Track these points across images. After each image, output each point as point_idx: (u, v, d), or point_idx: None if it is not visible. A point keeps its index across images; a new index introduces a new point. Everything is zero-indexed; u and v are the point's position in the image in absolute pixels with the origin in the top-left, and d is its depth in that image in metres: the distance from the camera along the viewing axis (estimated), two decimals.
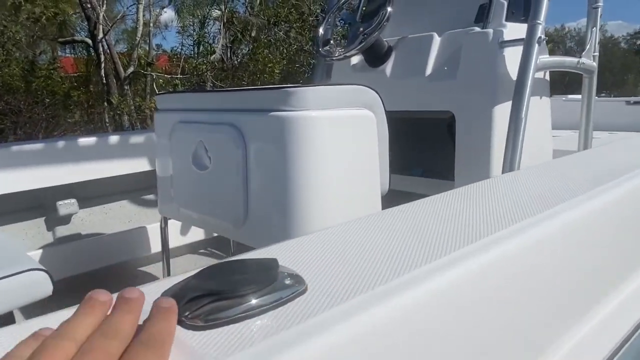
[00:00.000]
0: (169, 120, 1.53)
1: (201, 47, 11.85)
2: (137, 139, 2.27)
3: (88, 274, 2.09)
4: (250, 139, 1.21)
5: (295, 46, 11.06)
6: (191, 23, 11.46)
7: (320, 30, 2.05)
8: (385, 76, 1.98)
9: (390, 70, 1.98)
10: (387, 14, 1.80)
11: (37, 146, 1.97)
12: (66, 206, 2.09)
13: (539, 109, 1.83)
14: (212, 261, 1.96)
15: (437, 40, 1.88)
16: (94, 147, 2.12)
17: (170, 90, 9.31)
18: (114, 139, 2.20)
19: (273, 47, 10.61)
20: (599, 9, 1.97)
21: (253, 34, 11.92)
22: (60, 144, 2.03)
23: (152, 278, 2.19)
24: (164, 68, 11.23)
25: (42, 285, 1.15)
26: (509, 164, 1.53)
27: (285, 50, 10.62)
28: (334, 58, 1.94)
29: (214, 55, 10.99)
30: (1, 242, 1.26)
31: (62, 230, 2.14)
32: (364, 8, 2.29)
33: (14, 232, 2.03)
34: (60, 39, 11.69)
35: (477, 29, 1.76)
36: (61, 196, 2.08)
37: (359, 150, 1.25)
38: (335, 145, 1.19)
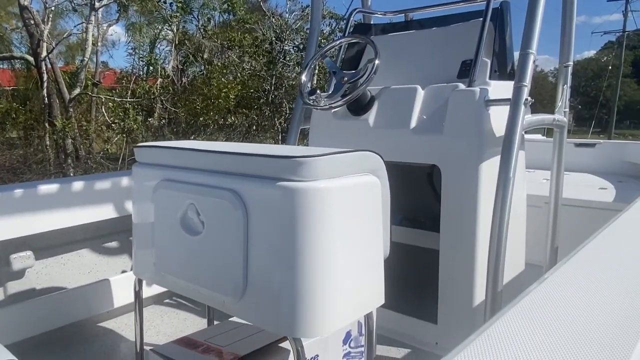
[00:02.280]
0: (150, 175, 1.42)
1: (151, 68, 11.54)
2: (97, 184, 2.12)
3: (46, 335, 1.89)
4: (253, 207, 1.13)
5: (249, 71, 11.02)
6: (141, 43, 11.15)
7: (303, 77, 2.01)
8: (368, 125, 1.97)
9: (374, 120, 1.97)
10: (375, 66, 1.79)
11: None
12: (21, 260, 1.90)
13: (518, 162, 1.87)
14: (180, 313, 1.82)
15: (420, 93, 1.89)
16: (51, 195, 1.95)
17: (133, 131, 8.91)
18: (72, 184, 2.04)
19: (227, 70, 10.49)
20: (569, 68, 2.07)
21: (205, 56, 11.76)
22: (16, 192, 1.85)
23: (115, 336, 2.02)
24: (116, 90, 10.78)
25: None
26: (499, 219, 1.54)
27: (239, 75, 10.54)
28: (319, 108, 1.90)
29: (159, 80, 10.69)
30: None
31: (15, 286, 1.93)
32: (342, 55, 2.28)
33: None
34: None
35: (462, 85, 1.79)
36: (15, 249, 1.89)
37: (365, 218, 1.20)
38: (344, 214, 1.13)
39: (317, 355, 1.55)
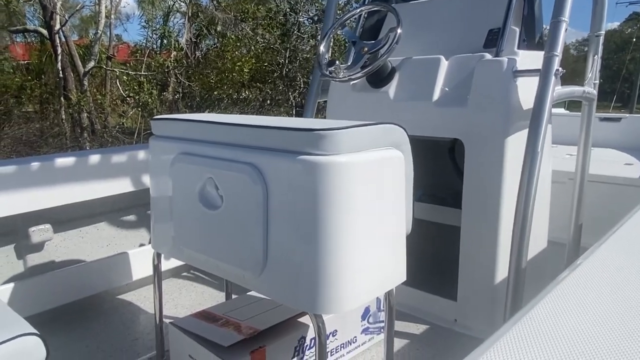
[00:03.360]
0: (167, 149, 1.39)
1: (165, 41, 11.45)
2: (115, 157, 2.10)
3: (65, 307, 1.91)
4: (273, 181, 1.10)
5: (263, 44, 10.86)
6: (155, 16, 11.03)
7: (322, 48, 1.94)
8: (388, 98, 1.91)
9: (394, 93, 1.91)
10: (397, 36, 1.72)
11: (7, 168, 1.77)
12: (40, 232, 1.90)
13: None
14: (198, 286, 1.81)
15: (444, 63, 1.82)
16: (69, 168, 1.94)
17: (145, 101, 8.87)
18: (90, 158, 2.02)
19: (241, 44, 10.36)
20: (601, 37, 1.97)
21: (219, 29, 11.61)
22: (35, 165, 1.84)
23: (134, 308, 2.04)
24: (130, 63, 10.74)
25: (34, 353, 1.00)
26: (525, 196, 1.49)
27: (253, 48, 10.40)
28: (338, 80, 1.84)
29: (174, 53, 10.60)
30: None
31: (34, 259, 1.95)
32: (362, 25, 2.20)
33: None
34: (10, 28, 10.98)
35: (488, 55, 1.71)
36: (34, 222, 1.89)
37: (388, 194, 1.16)
38: (366, 190, 1.10)
39: (336, 330, 1.54)
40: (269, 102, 10.39)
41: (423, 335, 1.76)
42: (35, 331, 1.02)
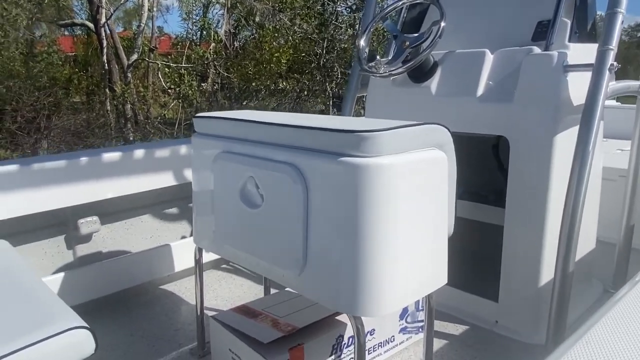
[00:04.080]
0: (210, 146, 1.41)
1: (204, 33, 11.61)
2: (159, 152, 2.15)
3: (111, 297, 1.99)
4: (314, 182, 1.10)
5: (301, 34, 10.84)
6: (194, 7, 11.19)
7: (362, 42, 1.92)
8: (430, 93, 1.86)
9: (436, 88, 1.86)
10: (441, 30, 1.67)
11: (59, 163, 1.85)
12: (88, 224, 1.98)
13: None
14: (237, 279, 1.82)
15: (489, 57, 1.76)
16: (116, 162, 2.01)
17: (191, 99, 9.04)
18: (135, 152, 2.08)
19: (278, 34, 10.38)
20: None
21: (257, 20, 11.67)
22: (84, 159, 1.91)
23: (176, 299, 2.09)
24: (171, 55, 10.98)
25: (84, 345, 1.04)
26: (574, 196, 1.43)
27: (290, 38, 10.40)
28: (378, 75, 1.81)
29: (213, 45, 10.73)
30: (43, 294, 1.15)
31: (82, 249, 2.03)
32: (403, 18, 2.16)
33: (32, 253, 1.92)
34: (59, 22, 11.40)
35: (537, 49, 1.64)
36: (83, 214, 1.97)
37: (431, 196, 1.14)
38: (408, 192, 1.08)
39: (374, 329, 1.53)
40: (305, 93, 10.39)
41: (462, 336, 1.73)
42: (85, 324, 1.06)
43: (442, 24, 1.68)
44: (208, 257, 2.29)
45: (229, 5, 11.37)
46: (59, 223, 1.96)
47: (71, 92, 10.13)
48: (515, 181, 1.67)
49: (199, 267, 1.61)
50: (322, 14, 10.91)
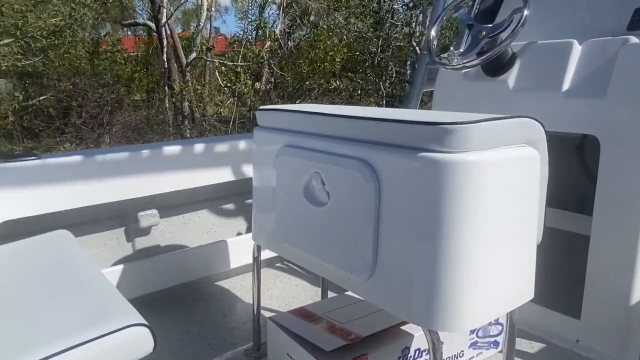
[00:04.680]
0: (272, 140, 1.34)
1: (259, 32, 11.74)
2: (217, 147, 2.12)
3: (167, 291, 1.97)
4: (388, 179, 1.00)
5: (355, 33, 10.73)
6: (251, 7, 11.34)
7: (432, 33, 1.79)
8: (507, 88, 1.71)
9: (514, 82, 1.71)
10: (524, 18, 1.52)
11: (121, 155, 1.85)
12: (148, 217, 1.98)
13: None
14: (292, 278, 1.73)
15: (577, 48, 1.59)
16: (175, 156, 1.99)
17: (253, 93, 9.15)
18: (194, 147, 2.06)
19: (333, 33, 10.32)
20: None
21: (311, 19, 11.67)
22: (144, 152, 1.90)
23: (231, 296, 2.05)
24: (228, 54, 11.20)
25: (142, 343, 1.00)
26: None
27: (345, 37, 10.31)
28: (451, 67, 1.69)
29: (268, 44, 10.83)
30: (103, 287, 1.12)
31: (141, 242, 2.03)
32: (477, 7, 2.01)
33: (93, 245, 1.93)
34: (123, 22, 11.89)
35: (634, 38, 1.46)
36: (143, 207, 1.97)
37: (520, 198, 1.01)
38: (496, 194, 0.96)
39: (442, 343, 1.41)
40: (359, 92, 10.27)
41: (539, 355, 1.57)
42: (144, 322, 1.01)
43: (526, 12, 1.53)
44: (263, 254, 2.25)
45: (285, 5, 11.44)
46: (120, 215, 1.97)
47: (132, 89, 10.53)
48: (605, 186, 1.50)
49: (257, 266, 1.55)
50: (378, 12, 10.75)
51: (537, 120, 1.04)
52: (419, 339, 1.34)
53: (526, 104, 1.66)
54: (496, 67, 1.74)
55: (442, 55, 1.68)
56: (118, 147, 2.32)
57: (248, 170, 2.20)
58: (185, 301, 1.99)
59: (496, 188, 0.95)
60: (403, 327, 1.36)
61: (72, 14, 8.75)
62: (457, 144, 0.91)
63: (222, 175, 2.12)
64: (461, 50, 1.73)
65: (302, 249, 1.25)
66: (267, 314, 1.57)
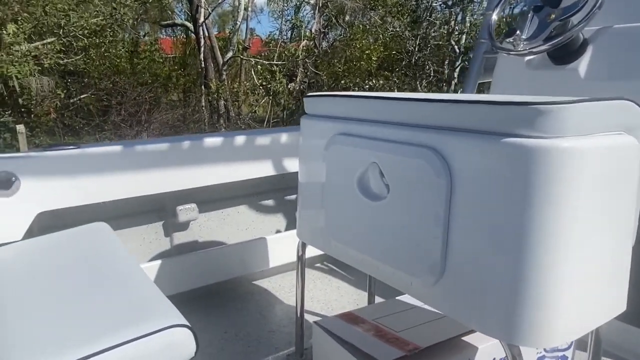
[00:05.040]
0: (323, 129, 1.23)
1: (294, 32, 11.72)
2: (258, 140, 2.03)
3: (205, 289, 1.89)
4: (461, 169, 0.87)
5: (392, 32, 10.56)
6: (286, 7, 11.33)
7: (494, 17, 1.65)
8: (578, 77, 1.55)
9: (586, 70, 1.54)
10: (601, 0, 1.36)
11: (160, 147, 1.78)
12: (186, 212, 1.90)
13: None
14: (333, 280, 1.57)
15: None
16: (214, 149, 1.91)
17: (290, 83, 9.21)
18: (235, 139, 1.97)
19: (369, 33, 10.19)
20: None
21: (347, 19, 11.56)
22: (185, 143, 1.83)
23: (270, 297, 1.96)
24: (263, 54, 11.25)
25: (184, 346, 0.90)
26: None
27: (381, 36, 10.16)
28: (515, 52, 1.54)
29: (304, 42, 10.79)
30: (143, 284, 1.04)
31: (179, 237, 1.96)
32: None
33: (131, 238, 1.87)
34: (162, 23, 12.09)
35: None
36: (181, 201, 1.90)
37: (617, 195, 0.87)
38: (594, 188, 0.82)
39: (506, 357, 1.27)
40: (395, 91, 10.08)
41: None
42: (186, 322, 0.92)
43: None
44: (288, 255, 2.15)
45: (320, 5, 11.37)
46: (159, 209, 1.91)
47: (170, 88, 10.68)
48: None
49: (301, 265, 1.44)
50: (415, 11, 10.55)
51: (635, 102, 0.89)
52: (484, 353, 1.20)
53: (600, 94, 1.49)
54: (565, 54, 1.58)
55: (507, 40, 1.53)
56: (158, 139, 2.26)
57: (289, 165, 2.10)
58: (222, 300, 1.91)
59: (593, 181, 0.81)
60: (464, 339, 1.23)
61: (113, 14, 8.92)
62: (551, 127, 0.77)
63: (262, 169, 2.03)
64: (525, 35, 1.57)
65: (354, 247, 1.13)
66: (309, 317, 1.47)
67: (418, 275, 0.97)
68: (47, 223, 1.66)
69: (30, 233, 1.53)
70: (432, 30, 10.00)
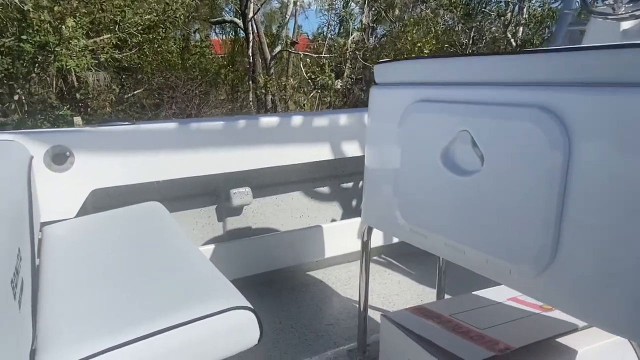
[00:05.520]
0: (398, 97, 1.09)
1: (342, 27, 11.58)
2: (316, 121, 1.91)
3: (256, 277, 1.80)
4: (584, 132, 0.72)
5: (443, 25, 10.22)
6: (334, 2, 11.21)
7: None
8: None
9: None
10: None
11: (215, 125, 1.69)
12: (240, 195, 1.81)
13: None
14: (389, 272, 1.38)
15: None
16: (271, 130, 1.80)
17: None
18: (291, 119, 1.86)
19: (419, 26, 9.91)
20: None
21: (396, 13, 11.31)
22: (240, 123, 1.74)
23: (325, 288, 1.84)
24: (312, 46, 11.21)
25: (249, 330, 0.80)
26: None
27: (432, 29, 9.85)
28: (613, 17, 1.34)
29: (354, 35, 10.63)
30: (201, 265, 0.95)
31: (233, 222, 1.88)
32: None
33: (184, 221, 1.80)
34: (211, 20, 12.27)
35: None
36: (235, 184, 1.81)
37: None
38: None
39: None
40: None
41: None
42: (250, 305, 0.81)
43: None
44: (355, 245, 2.01)
45: None
46: (212, 192, 1.83)
47: (219, 84, 10.81)
48: None
49: (366, 252, 1.31)
50: (468, 4, 10.16)
51: None
52: (584, 357, 1.03)
53: None
54: None
55: (606, 2, 1.34)
56: (213, 118, 2.18)
57: (347, 149, 1.97)
58: (275, 290, 1.81)
59: None
60: (560, 340, 1.06)
61: (166, 10, 9.10)
62: None
63: (319, 153, 1.91)
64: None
65: (434, 231, 0.99)
66: (369, 312, 1.34)
67: (520, 262, 0.81)
68: (100, 201, 1.61)
69: (83, 211, 1.48)
70: (487, 22, 9.60)
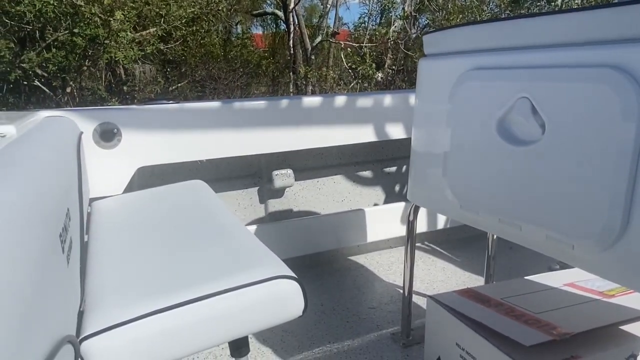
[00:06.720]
0: (450, 67, 1.04)
1: (383, 16, 11.41)
2: (360, 101, 1.87)
3: (298, 260, 1.78)
4: None
5: (489, 13, 9.89)
6: None
7: None
8: None
9: None
10: None
11: (258, 104, 1.68)
12: (282, 177, 1.80)
13: None
14: (429, 257, 1.31)
15: None
16: (314, 110, 1.78)
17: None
18: (334, 100, 1.83)
19: (464, 15, 9.63)
20: None
21: (440, 1, 11.03)
22: (283, 103, 1.72)
23: (368, 273, 1.80)
24: (353, 36, 11.14)
25: (293, 300, 0.77)
26: None
27: (477, 18, 9.54)
28: None
29: (396, 24, 10.45)
30: (248, 239, 0.94)
31: (274, 205, 1.87)
32: None
33: (226, 202, 1.81)
34: (253, 12, 12.37)
35: None
36: (277, 165, 1.80)
37: None
38: None
39: None
40: None
41: None
42: (294, 275, 0.79)
43: None
44: (397, 231, 1.96)
45: None
46: (254, 173, 1.83)
47: (260, 74, 10.91)
48: None
49: (412, 234, 1.27)
50: None
51: None
52: None
53: None
54: None
55: None
56: (256, 98, 2.18)
57: (391, 131, 1.92)
58: (317, 273, 1.79)
59: None
60: (623, 328, 0.99)
61: (209, 3, 9.23)
62: None
63: (361, 135, 1.87)
64: None
65: (487, 206, 0.94)
66: (413, 298, 1.30)
67: (584, 237, 0.75)
68: (146, 180, 1.64)
69: (129, 188, 1.51)
70: (537, 9, 9.20)
